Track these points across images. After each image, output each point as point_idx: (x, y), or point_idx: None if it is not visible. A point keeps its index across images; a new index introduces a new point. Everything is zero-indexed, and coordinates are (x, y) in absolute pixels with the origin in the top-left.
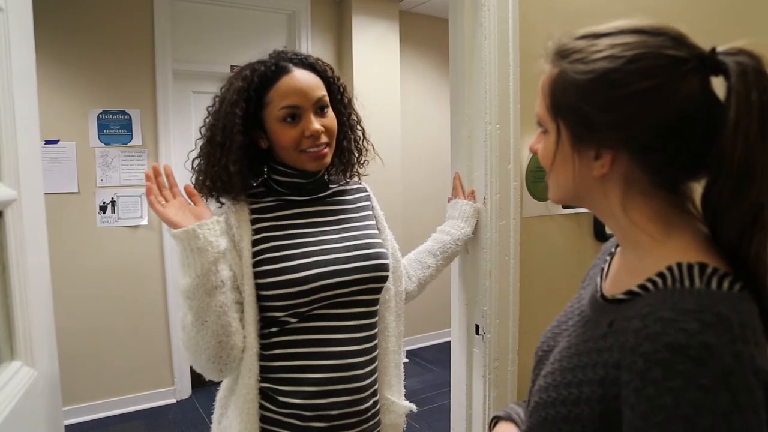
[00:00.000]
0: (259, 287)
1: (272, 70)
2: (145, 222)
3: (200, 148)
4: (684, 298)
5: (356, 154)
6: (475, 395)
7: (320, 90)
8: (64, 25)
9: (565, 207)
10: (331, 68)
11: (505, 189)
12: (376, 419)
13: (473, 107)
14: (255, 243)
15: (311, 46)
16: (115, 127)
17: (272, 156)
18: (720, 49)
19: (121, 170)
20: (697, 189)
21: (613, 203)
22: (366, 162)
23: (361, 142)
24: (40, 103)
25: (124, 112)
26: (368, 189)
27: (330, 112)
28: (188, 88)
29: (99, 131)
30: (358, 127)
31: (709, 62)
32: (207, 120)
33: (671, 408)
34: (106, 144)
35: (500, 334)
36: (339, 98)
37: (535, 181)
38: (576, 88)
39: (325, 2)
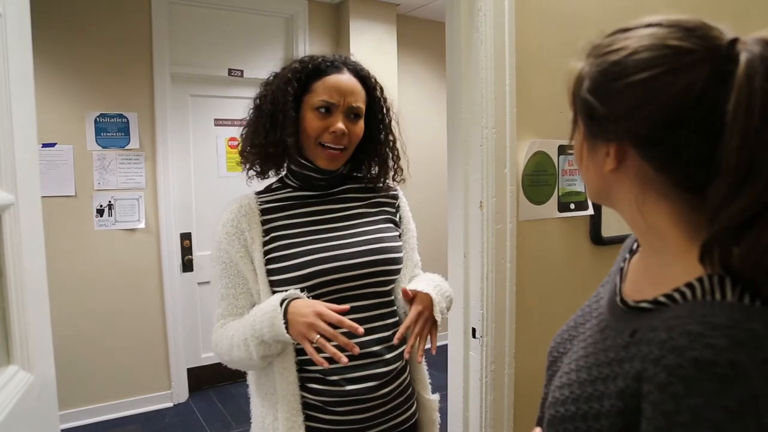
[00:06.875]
0: (271, 284)
1: (326, 64)
2: (142, 225)
3: (250, 117)
4: (714, 312)
5: (390, 172)
6: (472, 398)
7: (359, 99)
8: (61, 29)
9: (561, 211)
10: (381, 88)
11: (502, 193)
12: (404, 408)
13: (469, 111)
14: (265, 243)
15: (309, 49)
16: (112, 130)
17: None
18: (745, 38)
19: (118, 173)
20: None
21: (630, 204)
22: (400, 180)
23: (395, 161)
24: (38, 106)
25: (121, 116)
26: (400, 195)
27: (360, 122)
28: (186, 91)
29: (96, 134)
30: (395, 147)
31: (724, 53)
32: (260, 91)
33: (689, 426)
34: (103, 147)
35: (497, 337)
36: (380, 117)
37: (532, 184)
38: (585, 82)
39: (322, 6)
